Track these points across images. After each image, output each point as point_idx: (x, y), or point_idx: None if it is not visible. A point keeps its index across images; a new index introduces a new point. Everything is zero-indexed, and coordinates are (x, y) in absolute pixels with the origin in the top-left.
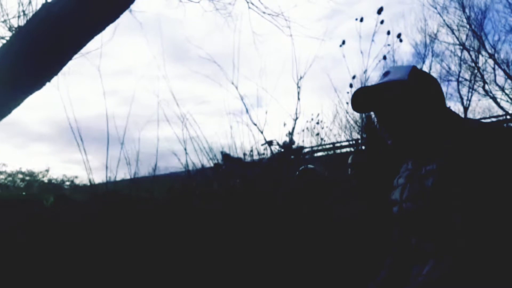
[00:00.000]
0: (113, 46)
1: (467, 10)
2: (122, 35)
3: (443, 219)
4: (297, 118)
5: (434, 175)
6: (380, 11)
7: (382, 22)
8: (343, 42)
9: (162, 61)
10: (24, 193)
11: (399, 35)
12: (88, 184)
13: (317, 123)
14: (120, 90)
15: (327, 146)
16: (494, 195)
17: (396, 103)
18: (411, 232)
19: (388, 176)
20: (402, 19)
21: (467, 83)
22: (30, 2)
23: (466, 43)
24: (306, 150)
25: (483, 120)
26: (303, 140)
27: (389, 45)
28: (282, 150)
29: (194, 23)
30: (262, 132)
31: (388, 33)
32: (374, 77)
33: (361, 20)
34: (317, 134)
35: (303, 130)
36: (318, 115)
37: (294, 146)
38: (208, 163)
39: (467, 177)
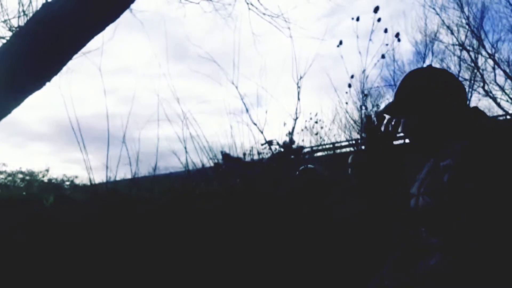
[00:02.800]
0: (112, 44)
1: (466, 10)
2: (122, 33)
3: (454, 215)
4: (297, 118)
5: (451, 171)
6: (376, 10)
7: (379, 20)
8: (340, 43)
9: (163, 59)
10: (24, 193)
11: (397, 35)
12: (88, 183)
13: (316, 122)
14: (120, 88)
15: (327, 146)
16: (506, 194)
17: (413, 111)
18: (422, 226)
19: (388, 176)
20: (402, 17)
21: (467, 83)
22: (30, 2)
23: (466, 43)
24: (306, 150)
25: None
26: (303, 140)
27: (387, 44)
28: (282, 149)
29: (195, 22)
30: (262, 132)
31: (386, 31)
32: (373, 76)
33: (357, 19)
34: (316, 134)
35: (302, 130)
36: (316, 114)
37: (294, 146)
38: (208, 163)
39: (480, 175)
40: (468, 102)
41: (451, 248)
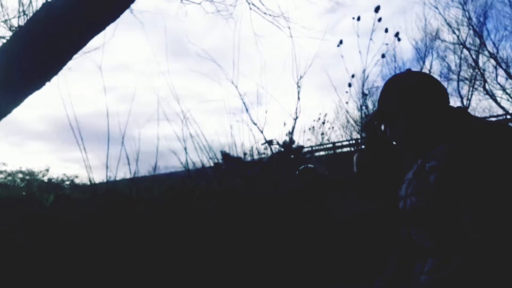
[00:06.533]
0: (111, 42)
1: (468, 9)
2: (120, 30)
3: (446, 217)
4: (297, 117)
5: (436, 171)
6: (377, 9)
7: (379, 20)
8: (341, 42)
9: (163, 57)
10: (23, 193)
11: (397, 34)
12: (88, 183)
13: (323, 123)
14: (119, 86)
15: (328, 146)
16: (500, 192)
17: (397, 117)
18: (412, 228)
19: (391, 176)
20: (403, 14)
21: (468, 82)
22: (30, 2)
23: (467, 42)
24: (306, 149)
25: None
26: (303, 139)
27: (387, 44)
28: (282, 149)
29: (195, 20)
30: (262, 132)
31: (386, 31)
32: (373, 76)
33: (358, 19)
34: (323, 134)
35: (309, 129)
36: (326, 115)
37: (294, 146)
38: (208, 163)
39: (470, 174)
40: (468, 102)
41: (442, 253)
